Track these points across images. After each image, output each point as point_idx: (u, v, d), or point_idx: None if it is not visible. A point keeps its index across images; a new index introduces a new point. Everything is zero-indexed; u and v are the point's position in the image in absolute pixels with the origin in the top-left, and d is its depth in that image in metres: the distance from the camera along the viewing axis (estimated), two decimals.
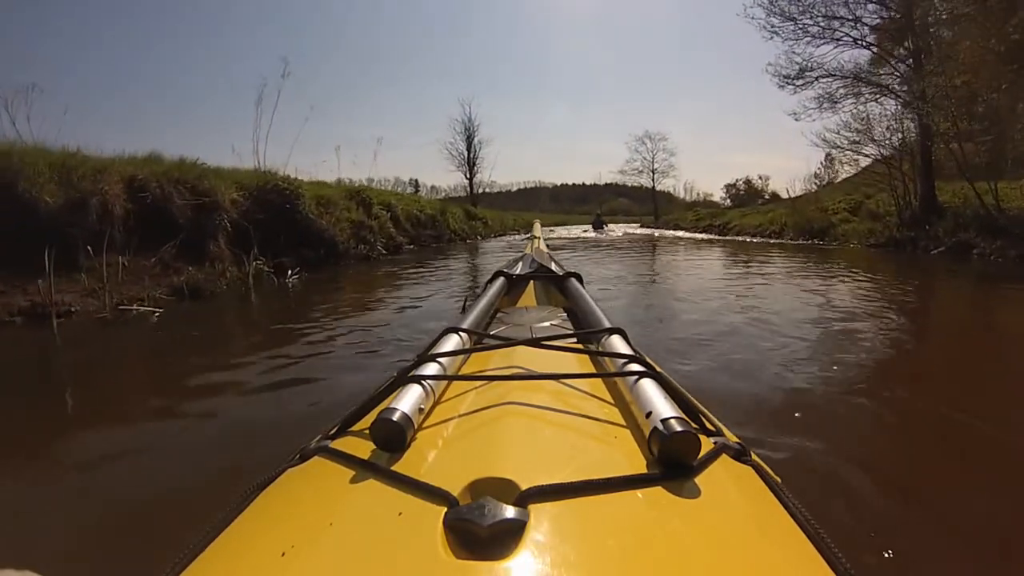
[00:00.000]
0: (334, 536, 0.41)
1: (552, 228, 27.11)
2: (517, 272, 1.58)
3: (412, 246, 10.93)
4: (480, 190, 32.72)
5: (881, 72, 12.73)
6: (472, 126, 31.50)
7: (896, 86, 12.56)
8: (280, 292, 5.56)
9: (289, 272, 6.18)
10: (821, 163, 33.19)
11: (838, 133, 14.08)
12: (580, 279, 1.40)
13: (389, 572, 0.36)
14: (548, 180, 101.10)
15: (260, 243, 6.65)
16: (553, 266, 1.75)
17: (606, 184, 72.71)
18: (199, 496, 1.30)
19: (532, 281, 1.54)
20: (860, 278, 6.00)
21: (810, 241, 14.54)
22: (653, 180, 45.06)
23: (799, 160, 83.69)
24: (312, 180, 10.55)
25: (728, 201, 37.81)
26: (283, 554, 0.40)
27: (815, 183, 29.45)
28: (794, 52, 12.71)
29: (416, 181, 38.32)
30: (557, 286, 1.44)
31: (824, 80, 13.06)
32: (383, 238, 9.05)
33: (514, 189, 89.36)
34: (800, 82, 12.85)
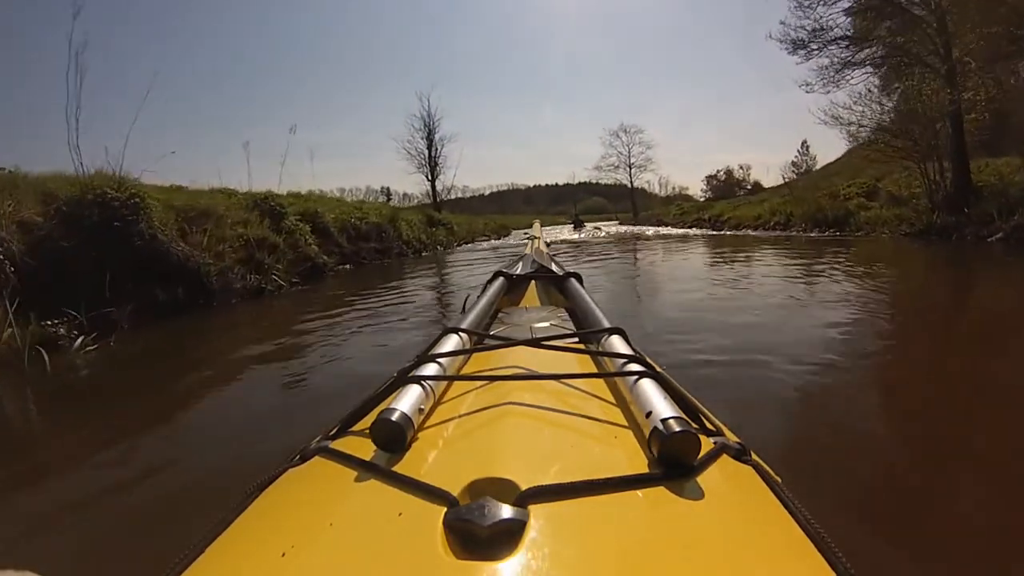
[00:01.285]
0: (334, 536, 0.41)
1: (526, 231, 24.80)
2: (517, 272, 1.55)
3: (346, 266, 8.38)
4: (447, 194, 29.79)
5: (913, 38, 10.71)
6: (432, 121, 28.22)
7: (920, 50, 10.60)
8: (51, 384, 3.08)
9: (80, 340, 3.67)
10: (799, 151, 31.78)
11: (850, 108, 12.15)
12: (580, 279, 1.37)
13: (389, 572, 0.36)
14: (521, 182, 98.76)
15: (73, 284, 4.21)
16: (553, 266, 1.73)
17: (580, 183, 70.68)
18: None
19: (532, 281, 1.51)
20: (935, 285, 4.81)
21: (827, 233, 12.52)
22: (631, 175, 43.22)
23: (774, 153, 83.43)
24: (218, 188, 8.07)
25: (709, 193, 36.10)
26: (283, 554, 0.40)
27: (793, 171, 27.83)
28: (807, 6, 10.58)
29: (388, 189, 34.72)
30: (557, 286, 1.42)
31: (839, 43, 11.04)
32: (288, 261, 6.50)
33: (487, 193, 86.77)
34: (815, 45, 10.73)
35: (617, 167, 43.41)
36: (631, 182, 44.01)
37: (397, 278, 7.58)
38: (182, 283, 4.81)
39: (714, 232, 17.33)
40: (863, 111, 12.07)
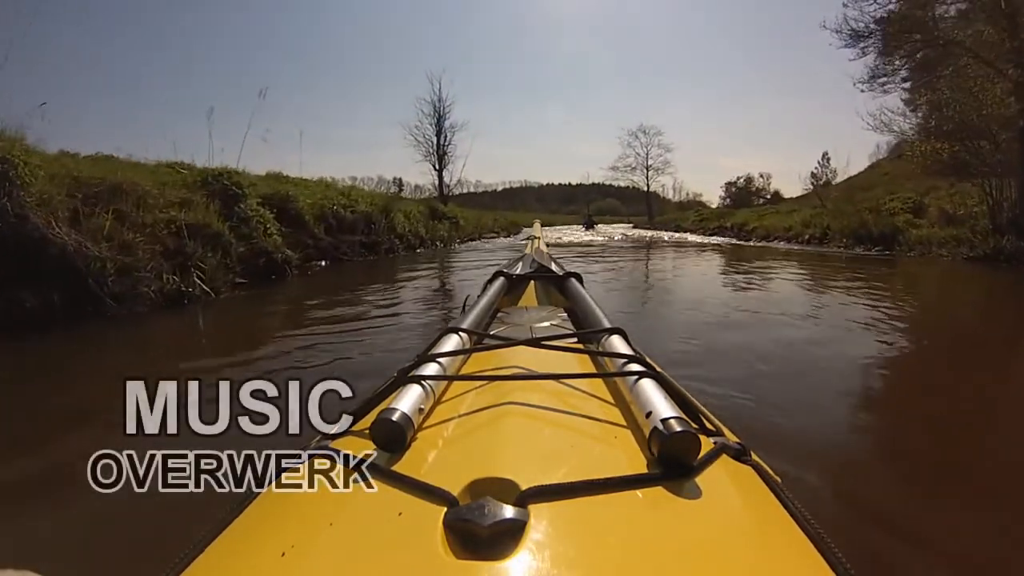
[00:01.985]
0: (334, 536, 0.40)
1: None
2: (517, 272, 1.52)
3: (320, 263, 7.10)
4: (457, 187, 28.27)
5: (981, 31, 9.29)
6: (442, 107, 26.53)
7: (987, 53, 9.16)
8: None
9: None
10: (819, 162, 30.08)
11: (904, 115, 10.77)
12: (580, 279, 1.34)
13: (389, 572, 0.36)
14: (534, 180, 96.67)
15: None
16: (553, 266, 1.68)
17: (593, 184, 68.61)
18: None
19: (532, 281, 1.49)
20: None
21: (872, 250, 11.11)
22: (647, 177, 41.76)
23: (774, 152, 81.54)
24: (167, 162, 6.78)
25: (728, 201, 34.50)
26: (283, 554, 0.39)
27: (812, 183, 26.19)
28: None
29: (400, 180, 32.99)
30: (557, 286, 1.39)
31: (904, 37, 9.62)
32: (237, 255, 5.18)
33: (499, 188, 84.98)
34: (880, 35, 9.31)
35: (634, 168, 42.00)
36: (647, 185, 42.57)
37: (380, 281, 6.29)
38: (61, 284, 3.53)
39: (742, 242, 15.90)
40: (919, 120, 10.76)
